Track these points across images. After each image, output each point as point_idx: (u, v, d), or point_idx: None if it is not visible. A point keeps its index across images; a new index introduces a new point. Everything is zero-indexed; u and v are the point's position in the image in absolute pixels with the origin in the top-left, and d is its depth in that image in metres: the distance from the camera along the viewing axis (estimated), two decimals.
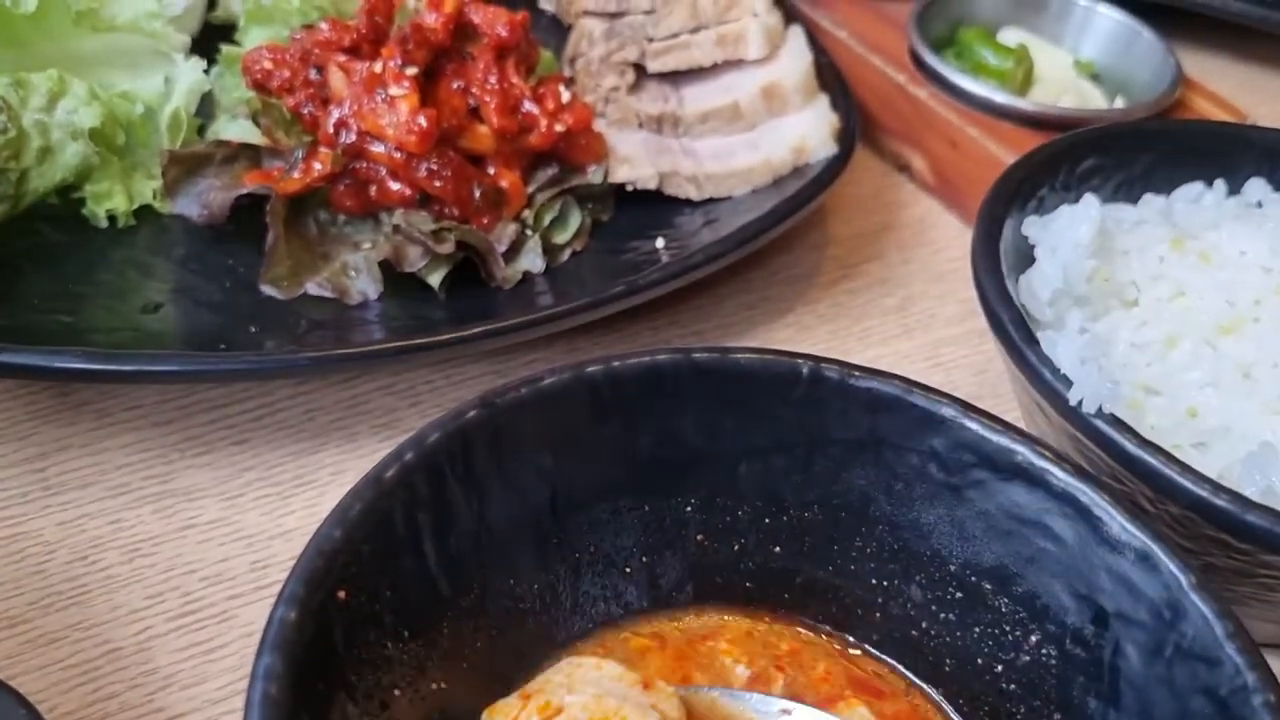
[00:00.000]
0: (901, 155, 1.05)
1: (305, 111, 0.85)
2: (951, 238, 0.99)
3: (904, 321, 0.91)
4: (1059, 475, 0.57)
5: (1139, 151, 0.81)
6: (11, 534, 0.71)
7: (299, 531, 0.73)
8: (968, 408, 0.60)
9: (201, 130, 0.90)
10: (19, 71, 0.82)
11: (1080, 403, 0.62)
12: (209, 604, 0.69)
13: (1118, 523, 0.55)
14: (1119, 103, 1.04)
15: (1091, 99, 1.05)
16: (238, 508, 0.74)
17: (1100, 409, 0.62)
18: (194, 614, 0.68)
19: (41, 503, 0.73)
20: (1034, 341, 0.66)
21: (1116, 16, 1.07)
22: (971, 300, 0.91)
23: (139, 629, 0.67)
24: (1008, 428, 0.59)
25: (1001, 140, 0.96)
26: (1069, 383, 0.63)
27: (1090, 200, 0.74)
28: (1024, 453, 0.58)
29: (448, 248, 0.80)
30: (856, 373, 0.61)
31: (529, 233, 0.85)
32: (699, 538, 0.63)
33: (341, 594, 0.51)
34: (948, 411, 0.60)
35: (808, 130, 0.90)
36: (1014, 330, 0.66)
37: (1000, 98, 0.98)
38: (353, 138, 0.82)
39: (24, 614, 0.67)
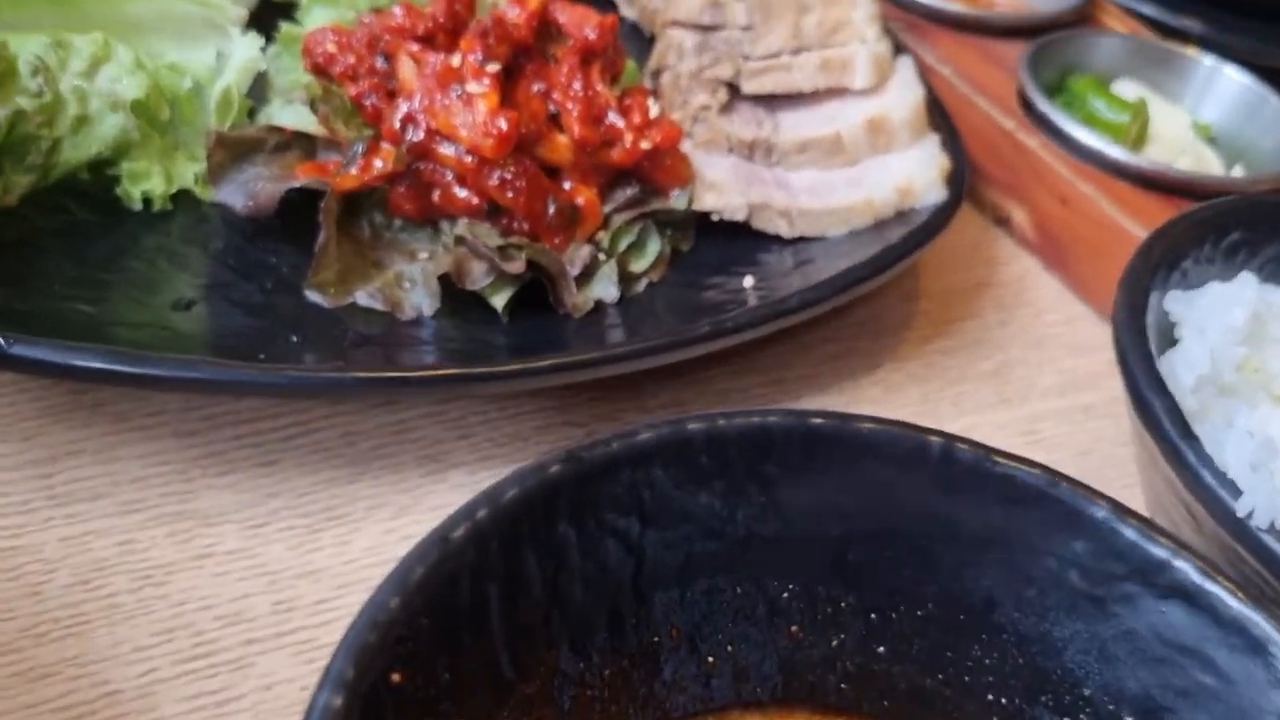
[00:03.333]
0: (1002, 207, 0.97)
1: (368, 102, 0.77)
2: (1051, 300, 0.92)
3: (1000, 389, 0.83)
4: (1229, 601, 0.49)
5: None
6: (9, 547, 0.63)
7: (327, 572, 0.65)
8: (1122, 510, 0.52)
9: (253, 113, 0.82)
10: (61, 31, 0.75)
11: (1250, 515, 0.54)
12: (223, 647, 0.61)
13: None
14: (1237, 170, 0.97)
15: (1209, 163, 0.97)
16: (261, 538, 0.66)
17: (1273, 525, 0.54)
18: (206, 658, 0.60)
19: (45, 514, 0.65)
20: (1194, 439, 0.58)
21: (1243, 79, 1.00)
22: (1073, 371, 0.84)
23: (143, 670, 0.59)
24: (1170, 538, 0.51)
25: (1116, 199, 0.88)
26: (1237, 491, 0.55)
27: (1247, 279, 0.66)
28: (1187, 570, 0.50)
29: (517, 266, 0.72)
30: (995, 456, 0.53)
31: (603, 257, 0.77)
32: (794, 629, 0.55)
33: (396, 676, 0.43)
34: (1099, 512, 0.52)
35: (915, 171, 0.82)
36: (1169, 422, 0.58)
37: (1117, 153, 0.90)
38: (420, 135, 0.74)
39: (14, 642, 0.59)
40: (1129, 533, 0.51)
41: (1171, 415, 0.59)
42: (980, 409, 0.82)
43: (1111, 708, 0.52)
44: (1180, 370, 0.64)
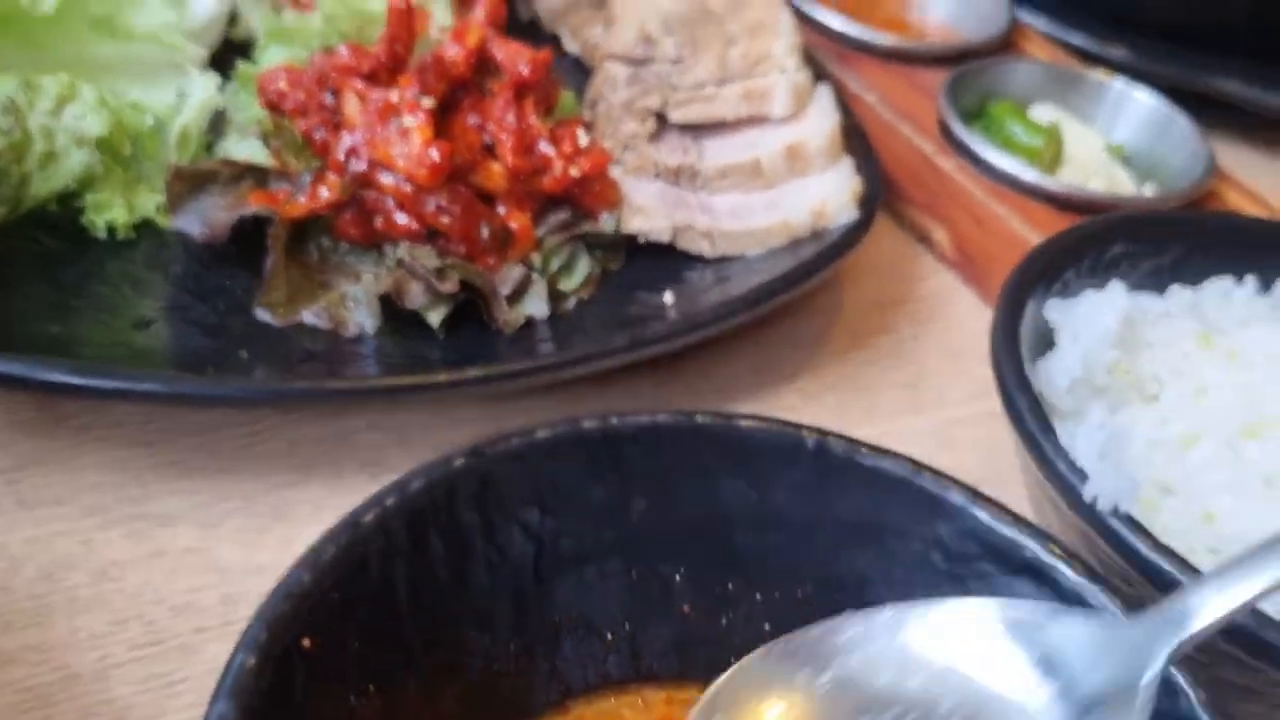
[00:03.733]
0: (923, 226, 1.03)
1: (317, 136, 0.83)
2: (968, 314, 0.97)
3: (914, 398, 0.89)
4: (1068, 574, 0.55)
5: (1169, 241, 0.79)
6: None
7: (273, 568, 0.68)
8: (977, 495, 0.57)
9: (210, 147, 0.88)
10: (31, 73, 0.81)
11: (1095, 499, 0.59)
12: (174, 635, 0.66)
13: None
14: (1149, 189, 1.02)
15: (1121, 183, 1.03)
16: (213, 537, 0.71)
17: (1116, 508, 0.59)
18: (158, 644, 0.65)
19: (12, 516, 0.70)
20: (1050, 431, 0.63)
21: (1152, 101, 1.06)
22: (985, 380, 0.88)
23: (99, 655, 0.64)
24: (1018, 520, 0.56)
25: (1028, 219, 0.94)
26: (1085, 477, 0.60)
27: (1117, 288, 0.72)
28: (1033, 548, 0.55)
29: (451, 286, 0.78)
30: (863, 449, 0.59)
31: (535, 276, 0.83)
32: (686, 609, 0.60)
33: (306, 642, 0.49)
34: (956, 498, 0.57)
35: (829, 194, 0.88)
36: (1030, 418, 0.64)
37: (1029, 176, 0.96)
38: (362, 166, 0.80)
39: None
40: (983, 516, 0.57)
41: (1033, 411, 0.64)
42: (894, 416, 0.87)
43: None
44: (1056, 373, 0.70)
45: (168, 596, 0.68)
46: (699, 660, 0.61)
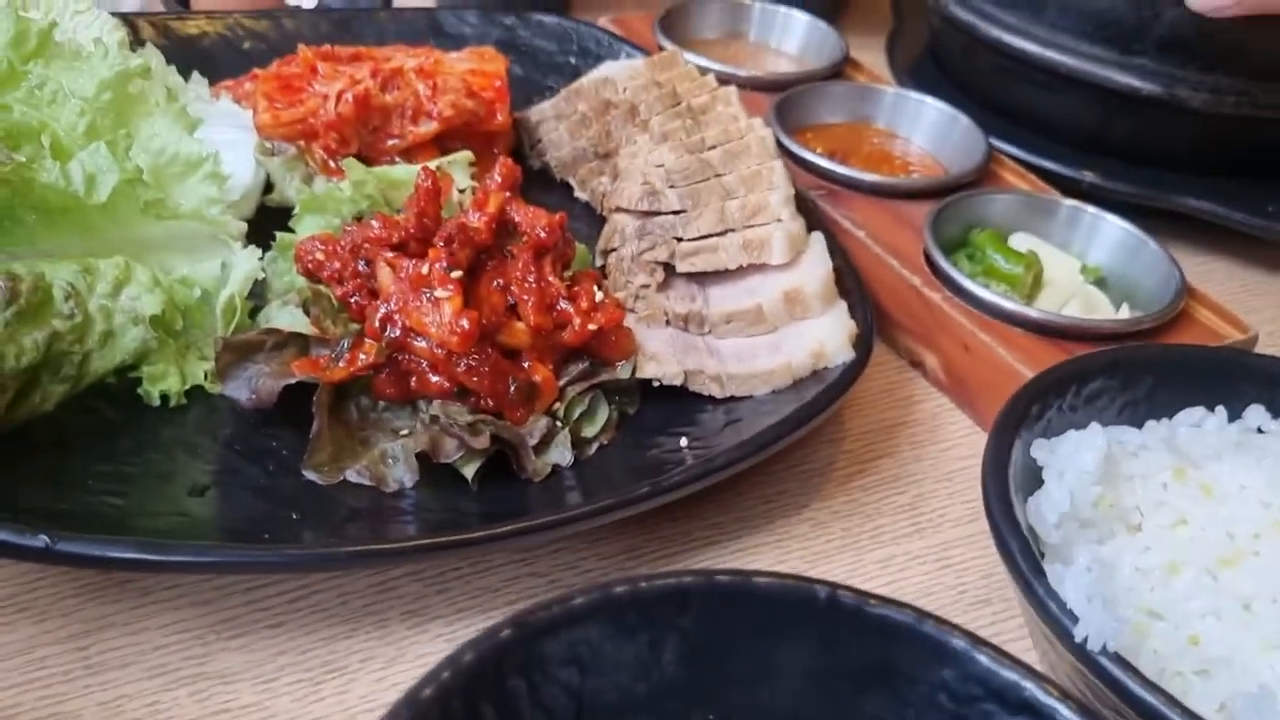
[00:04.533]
0: (915, 353, 1.09)
1: (353, 301, 0.90)
2: (961, 436, 1.03)
3: (915, 520, 0.95)
4: (1065, 714, 0.60)
5: (1143, 374, 0.85)
6: (53, 713, 0.73)
7: None
8: (978, 641, 0.63)
9: (254, 312, 0.95)
10: (87, 257, 0.88)
11: (1085, 640, 0.65)
12: None
13: None
14: (1125, 309, 1.09)
15: (1098, 304, 1.09)
16: (270, 692, 0.76)
17: (1104, 647, 0.65)
18: None
19: (83, 682, 0.75)
20: (1041, 573, 0.69)
21: (1122, 225, 1.13)
22: (979, 502, 0.95)
23: None
24: (1016, 663, 0.62)
25: (1010, 346, 1.01)
26: (1075, 619, 0.66)
27: (1096, 428, 0.78)
28: (1032, 690, 0.61)
29: (483, 442, 0.84)
30: (872, 600, 0.64)
31: (559, 425, 0.89)
32: None
33: None
34: (959, 644, 0.63)
35: (826, 336, 0.95)
36: (1023, 562, 0.70)
37: (1009, 305, 1.03)
38: (397, 333, 0.87)
39: None
40: (984, 660, 0.62)
41: (1024, 554, 0.70)
42: (897, 539, 0.93)
43: None
44: (1045, 509, 0.76)
45: None
46: None
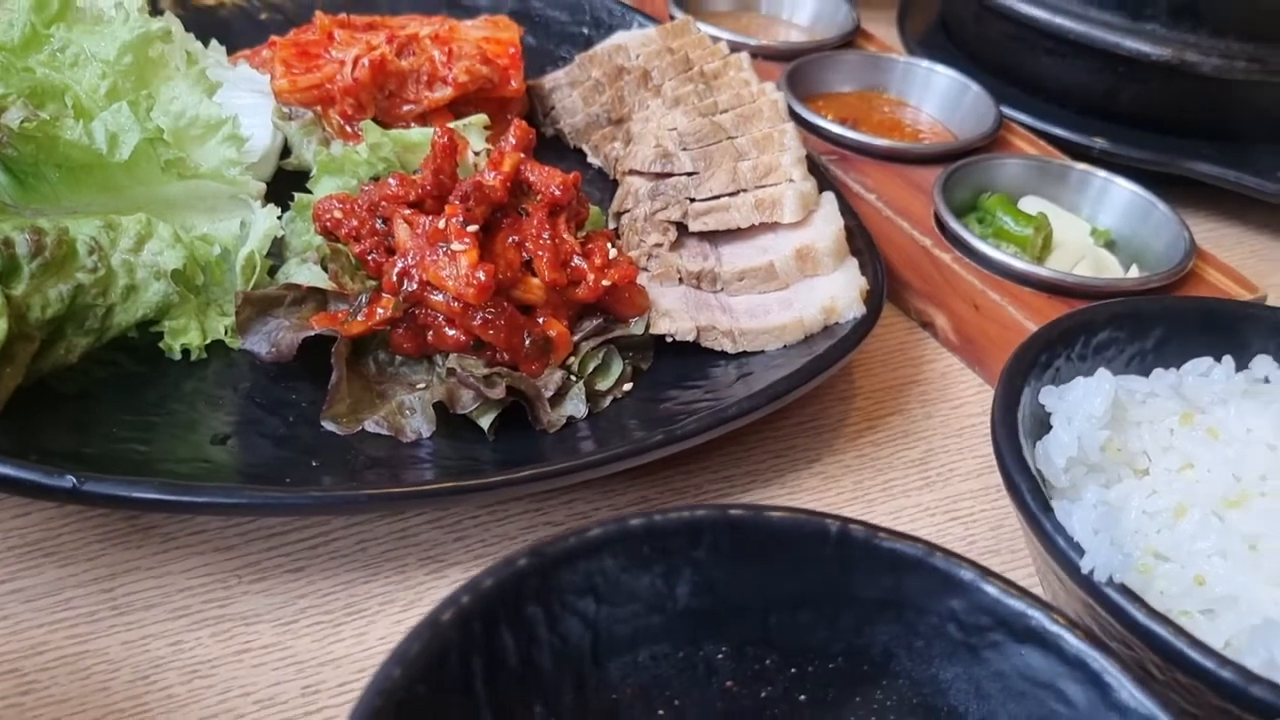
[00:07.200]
0: (926, 313, 1.10)
1: (370, 258, 0.92)
2: (971, 394, 1.04)
3: (925, 474, 0.96)
4: (1072, 641, 0.61)
5: (1151, 326, 0.86)
6: (79, 651, 0.75)
7: (348, 659, 0.77)
8: (986, 572, 0.64)
9: (273, 271, 0.96)
10: (110, 215, 0.90)
11: (1092, 572, 0.66)
12: None
13: (1126, 689, 0.59)
14: (1134, 270, 1.10)
15: (1107, 266, 1.10)
16: (292, 633, 0.78)
17: (1111, 578, 0.66)
18: None
19: (108, 622, 0.77)
20: (1049, 510, 0.70)
21: (1132, 188, 1.14)
22: (989, 456, 0.95)
23: None
24: (1023, 593, 0.63)
25: (1020, 305, 1.02)
26: (1081, 552, 0.67)
27: (1104, 374, 0.79)
28: (1039, 618, 0.62)
29: (498, 393, 0.85)
30: (881, 534, 0.66)
31: (573, 379, 0.90)
32: (729, 684, 0.67)
33: None
34: (967, 575, 0.64)
35: (838, 292, 0.96)
36: (1030, 499, 0.71)
37: (1019, 264, 1.04)
38: (414, 287, 0.88)
39: None
40: (992, 590, 0.63)
41: (1033, 493, 0.71)
42: (908, 492, 0.94)
43: None
44: (1054, 454, 0.77)
45: (253, 690, 0.74)
46: None
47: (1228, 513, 0.74)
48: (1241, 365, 0.85)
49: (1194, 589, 0.71)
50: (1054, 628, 0.62)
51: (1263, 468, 0.75)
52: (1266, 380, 0.84)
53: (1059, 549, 0.68)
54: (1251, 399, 0.80)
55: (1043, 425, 0.80)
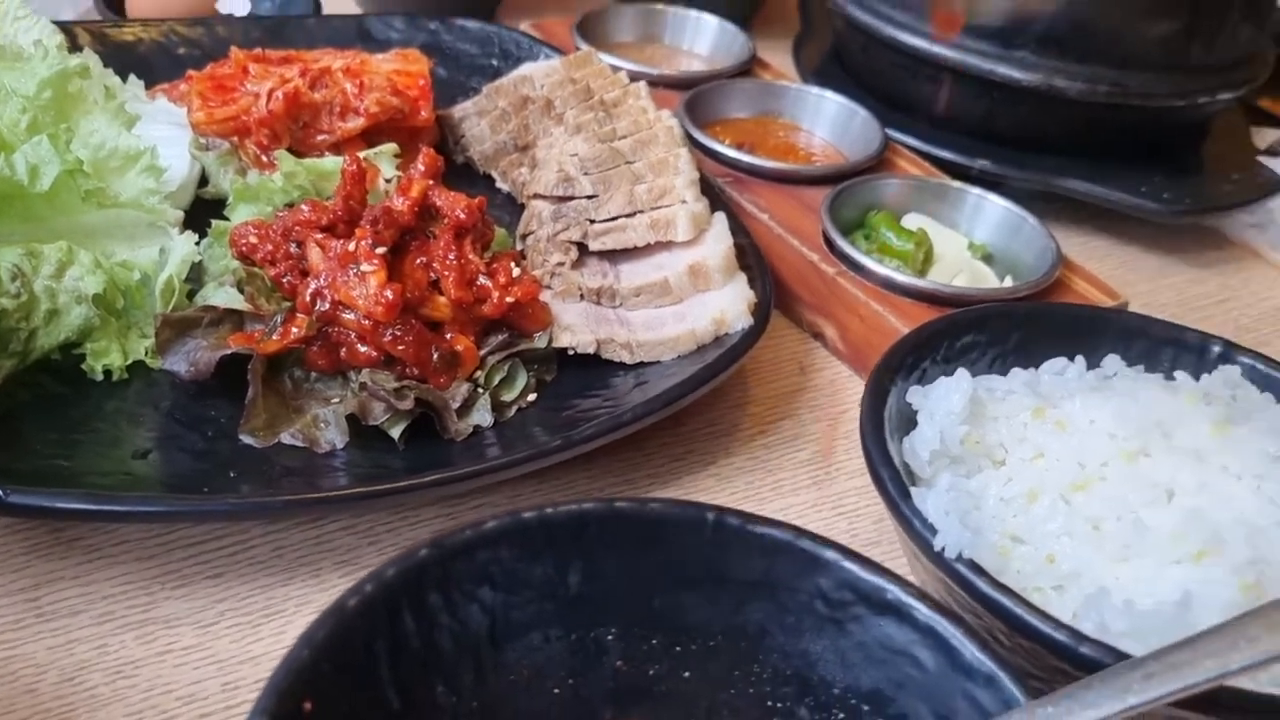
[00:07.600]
0: (816, 325, 1.18)
1: (285, 281, 0.97)
2: (857, 399, 1.10)
3: (813, 474, 1.02)
4: (923, 611, 0.67)
5: (1011, 330, 0.94)
6: (6, 656, 0.79)
7: (266, 657, 0.82)
8: (848, 552, 0.70)
9: (191, 295, 1.01)
10: (31, 243, 0.94)
11: (943, 550, 0.73)
12: None
13: (970, 651, 0.65)
14: (1009, 281, 1.18)
15: (984, 277, 1.18)
16: (212, 634, 0.82)
17: (960, 555, 0.73)
18: None
19: (34, 628, 0.81)
20: (907, 496, 0.77)
21: (1004, 204, 1.22)
22: None
23: None
24: (881, 569, 0.69)
25: (900, 314, 1.09)
26: (935, 532, 0.74)
27: (963, 374, 0.86)
28: (894, 590, 0.68)
29: (408, 404, 0.91)
30: (754, 521, 0.72)
31: (480, 391, 0.96)
32: (619, 664, 0.73)
33: (307, 705, 0.60)
34: (831, 555, 0.70)
35: (727, 305, 1.03)
36: (892, 486, 0.78)
37: (901, 277, 1.11)
38: (327, 306, 0.93)
39: None
40: (853, 568, 0.70)
41: (894, 481, 0.78)
42: (797, 490, 1.01)
43: (854, 702, 0.70)
44: (919, 447, 0.84)
45: (175, 688, 0.79)
46: (634, 708, 0.73)
47: (1074, 496, 0.81)
48: (1093, 365, 0.93)
49: (1046, 567, 0.79)
50: (907, 599, 0.68)
51: (1104, 455, 0.83)
52: (1115, 375, 0.93)
53: (915, 530, 0.75)
54: (1097, 393, 0.88)
55: (910, 423, 0.87)
